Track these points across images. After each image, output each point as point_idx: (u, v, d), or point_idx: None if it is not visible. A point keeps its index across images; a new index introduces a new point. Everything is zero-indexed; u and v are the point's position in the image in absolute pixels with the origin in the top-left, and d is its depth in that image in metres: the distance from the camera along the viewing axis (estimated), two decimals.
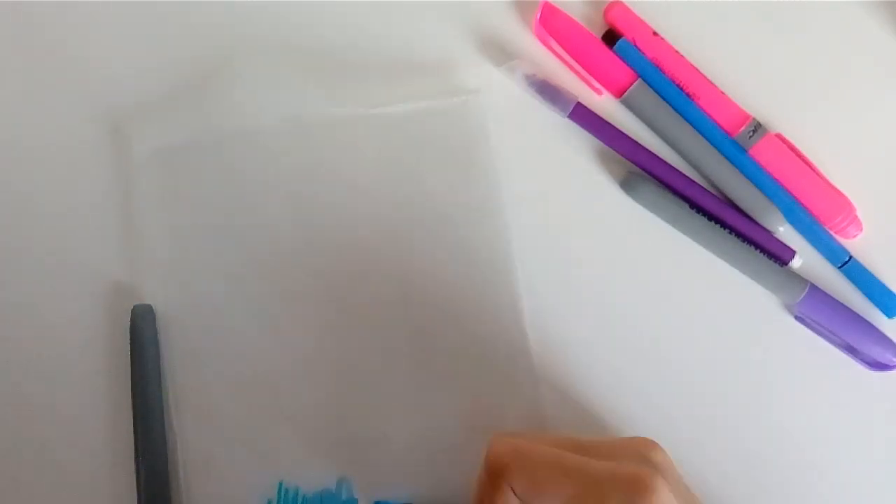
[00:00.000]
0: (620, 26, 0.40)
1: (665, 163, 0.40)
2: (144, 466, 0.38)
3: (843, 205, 0.40)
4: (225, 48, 0.41)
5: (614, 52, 0.40)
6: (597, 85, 0.41)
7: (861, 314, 0.39)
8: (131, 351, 0.39)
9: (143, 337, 0.39)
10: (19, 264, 0.40)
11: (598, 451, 0.34)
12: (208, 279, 0.40)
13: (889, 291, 0.39)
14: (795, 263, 0.39)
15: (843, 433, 0.39)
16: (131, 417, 0.39)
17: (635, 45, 0.40)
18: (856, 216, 0.40)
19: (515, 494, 0.32)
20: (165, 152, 0.40)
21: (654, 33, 0.40)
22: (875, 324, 0.39)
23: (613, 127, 0.40)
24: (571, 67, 0.41)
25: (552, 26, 0.40)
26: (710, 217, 0.39)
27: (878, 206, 0.40)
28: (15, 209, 0.41)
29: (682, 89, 0.40)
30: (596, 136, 0.40)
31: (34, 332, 0.40)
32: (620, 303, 0.40)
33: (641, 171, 0.40)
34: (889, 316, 0.39)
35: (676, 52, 0.40)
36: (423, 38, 0.41)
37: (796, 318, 0.39)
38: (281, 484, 0.38)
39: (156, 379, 0.39)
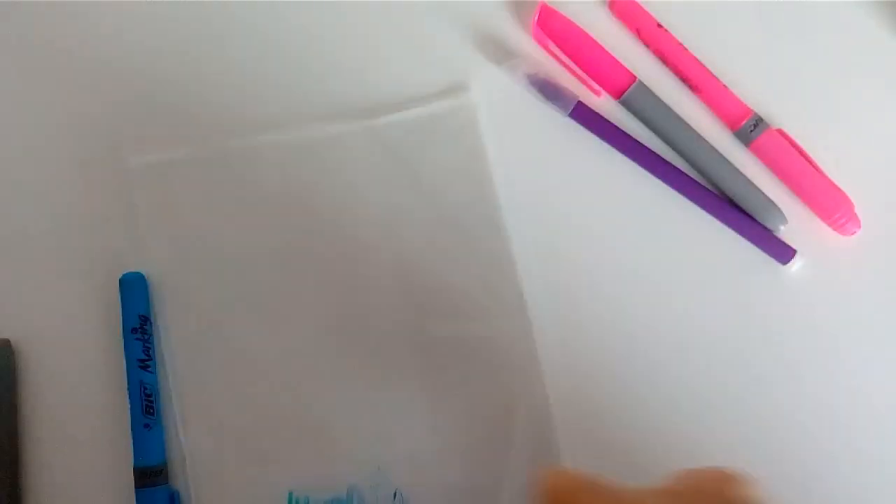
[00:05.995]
0: (625, 18, 0.40)
1: (666, 162, 0.40)
2: None
3: (842, 201, 0.40)
4: (222, 60, 0.41)
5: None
6: (595, 86, 0.40)
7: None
8: None
9: None
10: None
11: (662, 494, 0.29)
12: (210, 289, 0.40)
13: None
14: (796, 264, 0.39)
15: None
16: None
17: (640, 37, 0.39)
18: (854, 213, 0.40)
19: None
20: (162, 166, 0.40)
21: (659, 25, 0.40)
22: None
23: (614, 126, 0.40)
24: (570, 69, 0.40)
25: (550, 28, 0.40)
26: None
27: (877, 204, 0.40)
28: (10, 216, 0.41)
29: (685, 82, 0.40)
30: (597, 134, 0.40)
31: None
32: (623, 300, 0.40)
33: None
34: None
35: (681, 44, 0.40)
36: (422, 39, 0.41)
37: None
38: (291, 494, 0.38)
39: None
